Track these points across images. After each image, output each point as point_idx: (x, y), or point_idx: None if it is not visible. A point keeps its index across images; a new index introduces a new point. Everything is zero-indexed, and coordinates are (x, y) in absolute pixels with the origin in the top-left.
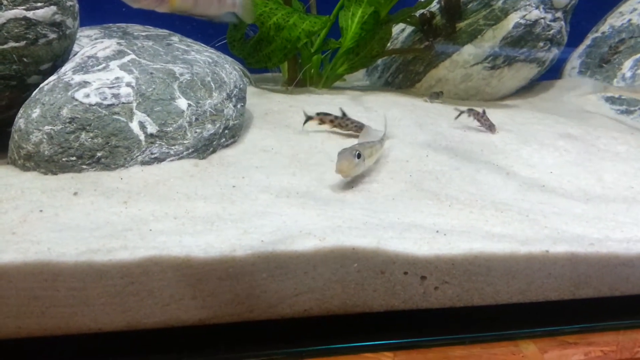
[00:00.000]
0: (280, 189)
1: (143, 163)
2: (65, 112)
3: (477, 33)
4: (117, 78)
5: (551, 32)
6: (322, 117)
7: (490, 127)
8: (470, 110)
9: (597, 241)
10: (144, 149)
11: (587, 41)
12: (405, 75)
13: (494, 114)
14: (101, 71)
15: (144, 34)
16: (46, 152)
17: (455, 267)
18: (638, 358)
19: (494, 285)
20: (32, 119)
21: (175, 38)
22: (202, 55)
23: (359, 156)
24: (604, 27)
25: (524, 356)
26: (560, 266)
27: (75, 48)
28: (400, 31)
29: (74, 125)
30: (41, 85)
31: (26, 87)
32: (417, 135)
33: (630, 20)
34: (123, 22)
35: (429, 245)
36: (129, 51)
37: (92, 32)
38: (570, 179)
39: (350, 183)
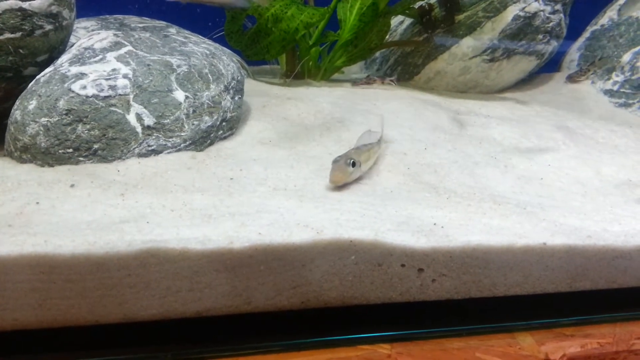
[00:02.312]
0: (278, 182)
1: (140, 155)
2: (61, 103)
3: (476, 25)
4: (114, 70)
5: (550, 24)
6: None
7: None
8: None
9: (595, 234)
10: (141, 141)
11: (587, 34)
12: (403, 68)
13: (493, 107)
14: (98, 63)
15: (141, 25)
16: (43, 144)
17: (453, 259)
18: (634, 350)
19: (492, 278)
20: (28, 111)
21: (173, 30)
22: (199, 47)
23: (353, 164)
24: (604, 20)
25: (521, 348)
26: (558, 259)
27: (72, 40)
28: (399, 23)
29: (71, 117)
30: (37, 77)
31: (22, 79)
32: (415, 128)
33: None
34: (120, 14)
35: (426, 238)
36: (126, 43)
37: (89, 23)
38: (568, 171)
39: None
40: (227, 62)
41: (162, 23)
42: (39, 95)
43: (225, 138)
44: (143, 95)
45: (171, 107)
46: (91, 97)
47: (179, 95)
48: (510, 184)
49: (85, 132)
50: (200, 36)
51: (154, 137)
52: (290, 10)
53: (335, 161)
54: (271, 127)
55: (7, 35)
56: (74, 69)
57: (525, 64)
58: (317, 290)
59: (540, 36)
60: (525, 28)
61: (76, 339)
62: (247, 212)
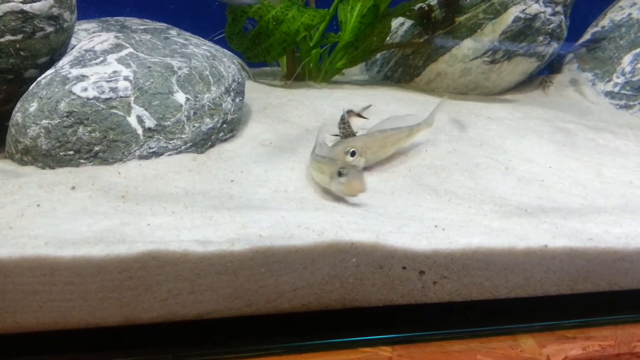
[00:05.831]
0: (279, 184)
1: (141, 157)
2: (62, 106)
3: (477, 27)
4: (114, 72)
5: (551, 26)
6: None
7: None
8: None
9: (596, 236)
10: (142, 143)
11: (587, 35)
12: (404, 70)
13: (494, 109)
14: (99, 65)
15: (142, 27)
16: (44, 146)
17: (454, 261)
18: (636, 352)
19: (493, 280)
20: (29, 113)
21: (174, 31)
22: (200, 49)
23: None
24: (604, 22)
25: (523, 350)
26: (559, 261)
27: (73, 41)
28: (400, 25)
29: (72, 119)
30: (38, 79)
31: (23, 81)
32: None
33: (630, 14)
34: (121, 16)
35: (427, 240)
36: (126, 45)
37: (90, 25)
38: (569, 173)
39: None
40: (228, 64)
41: (163, 25)
42: (40, 98)
43: (226, 140)
44: (144, 98)
45: (172, 109)
46: (92, 99)
47: (180, 97)
48: (511, 186)
49: (86, 134)
50: (201, 38)
51: (154, 139)
52: (291, 12)
53: (346, 173)
54: (272, 129)
55: (8, 37)
56: (75, 71)
57: (525, 66)
58: (318, 292)
59: (541, 38)
60: (525, 30)
61: (77, 341)
62: (248, 214)
